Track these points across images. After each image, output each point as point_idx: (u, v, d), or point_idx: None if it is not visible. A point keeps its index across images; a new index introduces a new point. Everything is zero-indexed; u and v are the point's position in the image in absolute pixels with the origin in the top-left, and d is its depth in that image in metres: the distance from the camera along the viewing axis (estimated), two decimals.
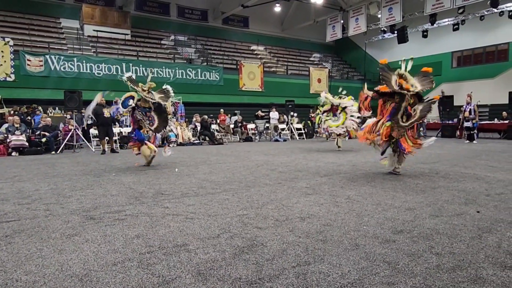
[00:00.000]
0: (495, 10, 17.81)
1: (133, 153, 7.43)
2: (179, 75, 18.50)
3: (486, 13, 18.57)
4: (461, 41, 21.89)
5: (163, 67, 18.19)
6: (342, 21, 23.83)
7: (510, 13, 17.57)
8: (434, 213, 3.34)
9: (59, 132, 11.50)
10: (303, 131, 17.22)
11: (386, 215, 3.30)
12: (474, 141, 12.31)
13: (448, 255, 2.34)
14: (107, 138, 10.48)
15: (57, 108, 14.89)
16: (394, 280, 1.99)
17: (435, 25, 19.76)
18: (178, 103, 15.97)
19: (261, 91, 21.34)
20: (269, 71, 22.39)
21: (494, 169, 6.08)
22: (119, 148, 12.14)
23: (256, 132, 16.53)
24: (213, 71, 19.63)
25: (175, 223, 3.14)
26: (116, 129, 12.80)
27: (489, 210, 3.43)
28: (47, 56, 15.31)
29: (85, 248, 2.55)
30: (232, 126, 16.53)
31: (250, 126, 16.78)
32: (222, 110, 17.20)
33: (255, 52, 25.33)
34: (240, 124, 16.46)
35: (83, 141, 11.79)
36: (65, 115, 13.21)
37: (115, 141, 12.32)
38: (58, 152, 10.53)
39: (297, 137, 16.77)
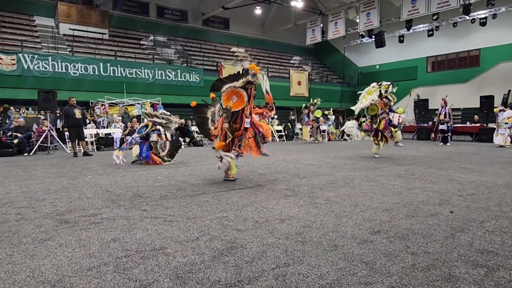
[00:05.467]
0: (467, 18, 18.53)
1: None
2: (158, 76, 18.26)
3: (458, 20, 19.30)
4: (436, 46, 22.66)
5: (142, 68, 17.90)
6: (321, 25, 24.20)
7: (481, 21, 18.32)
8: (410, 213, 3.43)
9: (32, 133, 11.11)
10: (283, 133, 17.33)
11: (364, 216, 3.35)
12: (448, 144, 12.73)
13: (423, 254, 2.39)
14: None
15: (30, 108, 14.40)
16: (371, 280, 2.03)
17: (411, 30, 20.37)
18: (157, 104, 15.78)
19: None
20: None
21: (467, 170, 6.30)
22: (95, 150, 11.86)
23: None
24: (193, 72, 19.48)
25: (153, 226, 3.09)
26: (93, 130, 12.52)
27: (462, 210, 3.54)
28: (20, 55, 14.78)
29: (59, 253, 2.46)
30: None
31: None
32: None
33: (236, 54, 25.31)
34: None
35: (58, 142, 11.42)
36: (38, 116, 12.78)
37: (92, 142, 12.04)
38: (31, 154, 10.17)
39: (277, 139, 16.85)
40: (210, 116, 5.59)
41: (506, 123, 11.54)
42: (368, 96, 8.50)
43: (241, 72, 5.23)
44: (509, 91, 17.29)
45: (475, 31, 20.29)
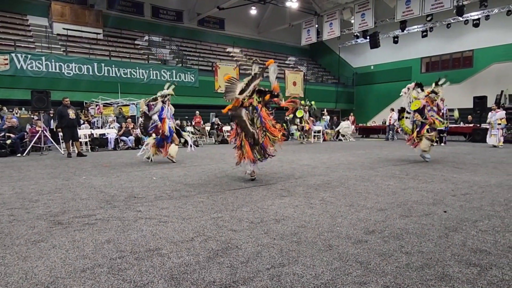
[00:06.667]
0: (461, 19, 18.69)
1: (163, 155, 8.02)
2: (153, 76, 18.20)
3: (452, 21, 19.46)
4: (430, 47, 22.82)
5: (137, 68, 17.82)
6: (316, 26, 24.26)
7: (474, 22, 18.48)
8: (404, 213, 3.45)
9: (25, 133, 11.01)
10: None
11: (358, 216, 3.37)
12: (443, 144, 12.82)
13: (417, 254, 2.41)
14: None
15: (23, 108, 14.27)
16: (366, 280, 2.03)
17: (405, 31, 20.50)
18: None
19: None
20: (245, 73, 22.42)
21: (460, 170, 6.35)
22: (89, 150, 11.79)
23: None
24: (188, 72, 19.44)
25: (148, 227, 3.07)
26: (87, 131, 12.44)
27: (455, 210, 3.57)
28: (13, 54, 14.64)
29: (52, 255, 2.44)
30: (208, 128, 16.42)
31: (226, 128, 16.73)
32: (197, 112, 17.07)
33: (231, 54, 25.32)
34: (216, 126, 16.39)
35: (52, 143, 11.33)
36: (32, 116, 12.68)
37: (86, 143, 11.96)
38: (24, 154, 10.08)
39: None
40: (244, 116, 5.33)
41: (499, 123, 11.65)
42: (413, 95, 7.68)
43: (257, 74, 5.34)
44: (502, 91, 17.46)
45: (468, 32, 20.46)
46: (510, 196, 4.19)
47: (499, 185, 4.90)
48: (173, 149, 7.96)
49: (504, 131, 12.13)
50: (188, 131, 14.61)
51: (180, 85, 19.06)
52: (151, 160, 8.06)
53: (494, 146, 11.55)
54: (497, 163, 7.29)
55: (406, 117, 7.78)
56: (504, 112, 12.15)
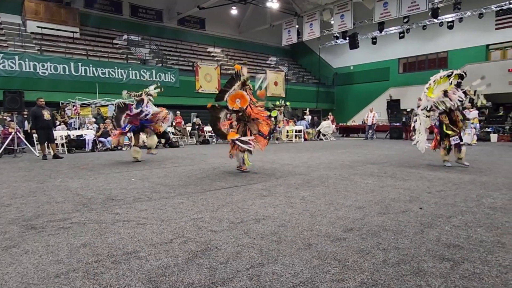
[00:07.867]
0: (436, 21, 19.29)
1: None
2: (132, 76, 17.88)
3: (428, 23, 20.04)
4: (407, 48, 23.42)
5: (115, 68, 17.47)
6: (297, 26, 24.45)
7: (449, 24, 19.08)
8: (381, 210, 3.51)
9: None
10: None
11: (337, 214, 3.41)
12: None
13: (393, 250, 2.46)
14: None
15: None
16: (343, 277, 2.06)
17: (383, 32, 20.94)
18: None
19: (218, 93, 21.25)
20: (226, 73, 22.36)
21: (436, 168, 6.53)
22: (66, 152, 11.48)
23: (213, 134, 16.39)
24: (169, 72, 19.21)
25: (126, 229, 3.02)
26: (63, 132, 12.11)
27: (431, 206, 3.67)
28: None
29: (24, 260, 2.36)
30: (189, 128, 16.27)
31: (207, 128, 16.61)
32: (178, 112, 16.87)
33: (212, 54, 25.19)
34: (197, 127, 16.27)
35: (26, 145, 10.95)
36: (4, 117, 12.23)
37: (62, 145, 11.64)
38: None
39: None
40: (221, 117, 6.37)
41: (472, 123, 12.06)
42: (437, 87, 6.76)
43: (234, 77, 6.13)
44: (475, 91, 18.06)
45: (443, 34, 21.10)
46: (482, 192, 4.35)
47: (471, 181, 5.07)
48: (154, 139, 8.53)
49: (477, 130, 12.56)
50: (169, 131, 14.48)
51: (161, 85, 18.84)
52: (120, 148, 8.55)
53: (468, 144, 11.94)
54: (471, 161, 7.53)
55: (427, 116, 6.88)
56: (477, 112, 12.59)
